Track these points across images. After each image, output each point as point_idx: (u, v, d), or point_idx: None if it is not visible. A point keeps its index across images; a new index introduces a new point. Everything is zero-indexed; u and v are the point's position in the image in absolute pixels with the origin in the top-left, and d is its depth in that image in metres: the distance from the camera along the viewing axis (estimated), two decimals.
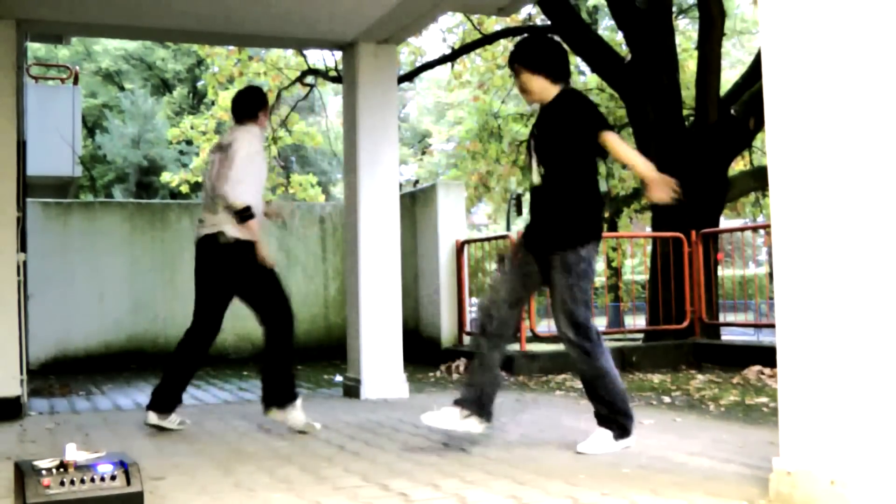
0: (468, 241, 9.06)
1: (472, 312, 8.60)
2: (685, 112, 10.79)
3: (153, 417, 4.50)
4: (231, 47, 12.67)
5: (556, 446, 3.87)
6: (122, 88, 29.51)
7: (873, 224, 2.51)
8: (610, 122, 3.85)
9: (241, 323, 10.03)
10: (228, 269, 4.50)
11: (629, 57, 10.20)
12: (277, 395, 4.49)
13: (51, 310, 8.80)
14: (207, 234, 4.53)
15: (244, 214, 4.42)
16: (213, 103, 15.58)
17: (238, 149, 4.50)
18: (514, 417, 4.80)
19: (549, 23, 11.31)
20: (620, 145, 3.75)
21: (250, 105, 4.74)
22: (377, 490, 3.03)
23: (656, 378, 6.75)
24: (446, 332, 8.75)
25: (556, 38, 4.07)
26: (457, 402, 3.86)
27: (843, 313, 2.52)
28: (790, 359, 2.68)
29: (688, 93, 11.35)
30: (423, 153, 28.90)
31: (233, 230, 4.46)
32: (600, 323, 17.66)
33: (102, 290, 9.22)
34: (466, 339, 8.58)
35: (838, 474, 2.49)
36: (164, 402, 4.52)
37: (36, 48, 21.77)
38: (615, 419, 3.75)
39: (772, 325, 4.59)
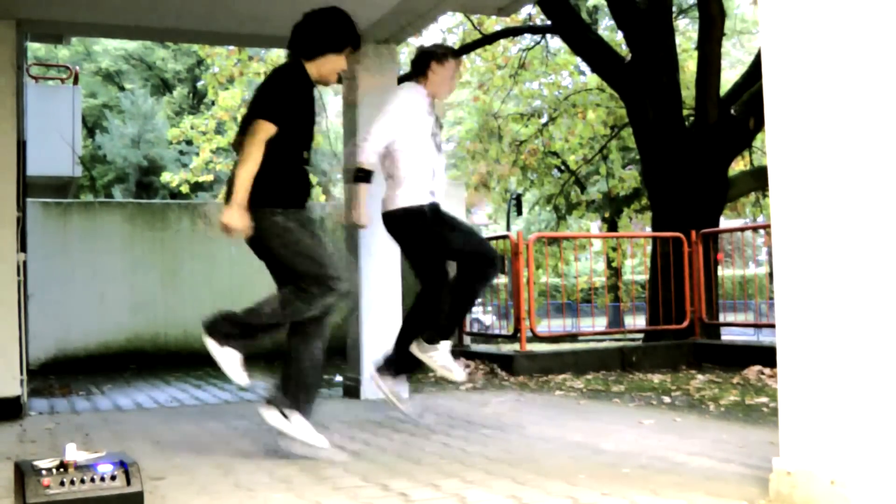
0: None
1: (472, 313, 8.60)
2: (685, 112, 10.81)
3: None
4: (231, 47, 12.68)
5: (556, 446, 3.87)
6: (122, 88, 29.52)
7: (873, 224, 2.51)
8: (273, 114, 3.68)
9: None
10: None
11: (629, 57, 10.21)
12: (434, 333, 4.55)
13: (51, 310, 8.80)
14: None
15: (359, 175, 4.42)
16: (213, 103, 15.59)
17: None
18: (514, 417, 4.80)
19: (549, 23, 11.33)
20: (249, 149, 3.63)
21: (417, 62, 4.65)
22: (377, 490, 3.03)
23: (656, 378, 6.75)
24: None
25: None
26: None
27: (843, 313, 2.52)
28: (790, 359, 2.68)
29: (688, 93, 11.36)
30: None
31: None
32: (600, 323, 17.71)
33: (102, 290, 9.22)
34: (466, 339, 8.58)
35: (838, 474, 2.49)
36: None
37: (36, 48, 21.76)
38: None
39: (772, 325, 4.59)
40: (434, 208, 4.53)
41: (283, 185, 3.75)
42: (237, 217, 3.60)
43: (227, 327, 3.76)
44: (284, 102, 3.70)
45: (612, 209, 20.94)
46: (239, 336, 3.77)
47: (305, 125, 3.83)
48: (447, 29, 14.38)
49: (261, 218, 3.68)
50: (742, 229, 11.12)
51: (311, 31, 3.88)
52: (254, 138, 3.60)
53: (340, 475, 3.32)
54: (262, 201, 3.67)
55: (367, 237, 5.97)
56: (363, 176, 4.43)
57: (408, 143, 4.48)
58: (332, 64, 3.88)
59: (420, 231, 4.50)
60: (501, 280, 11.89)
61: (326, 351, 3.95)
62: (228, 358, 3.75)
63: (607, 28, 18.52)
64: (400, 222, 4.53)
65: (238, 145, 3.79)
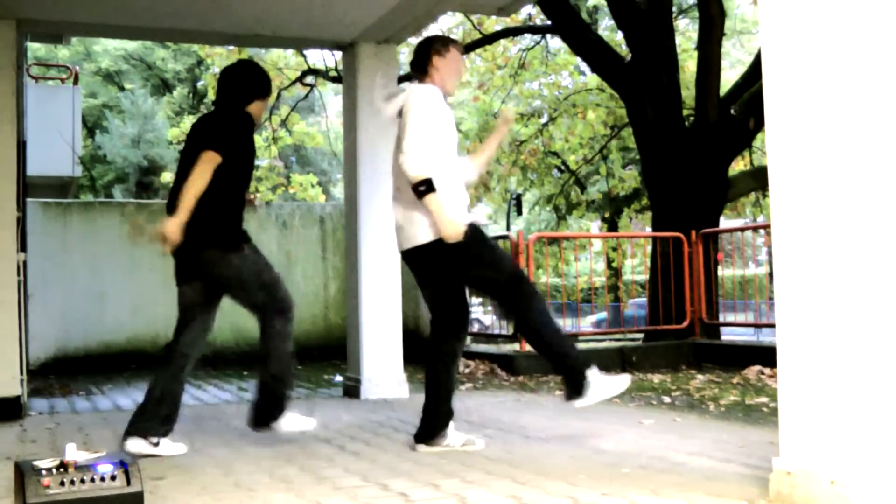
0: None
1: (472, 313, 8.59)
2: (685, 112, 10.80)
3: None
4: (231, 47, 12.65)
5: (556, 446, 3.87)
6: (122, 88, 29.50)
7: (873, 224, 2.51)
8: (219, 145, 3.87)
9: (240, 321, 10.08)
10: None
11: (629, 57, 10.21)
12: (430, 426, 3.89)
13: (51, 310, 8.80)
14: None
15: (421, 189, 3.71)
16: (213, 103, 15.58)
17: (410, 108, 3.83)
18: (515, 417, 4.80)
19: (549, 23, 11.33)
20: (198, 173, 3.82)
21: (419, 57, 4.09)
22: (377, 490, 3.03)
23: (656, 378, 6.74)
24: None
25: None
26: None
27: (843, 313, 2.52)
28: (790, 359, 2.68)
29: (688, 93, 11.35)
30: None
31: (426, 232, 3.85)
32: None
33: (102, 290, 9.22)
34: (466, 340, 8.56)
35: (838, 474, 2.49)
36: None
37: (36, 48, 21.75)
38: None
39: (772, 325, 4.58)
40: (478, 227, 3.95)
41: (230, 229, 3.99)
42: (176, 230, 3.79)
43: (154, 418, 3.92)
44: (234, 141, 3.97)
45: (612, 209, 20.94)
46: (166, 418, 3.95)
47: (248, 165, 4.10)
48: (447, 29, 14.37)
49: (218, 260, 3.95)
50: (742, 229, 11.12)
51: (243, 81, 4.18)
52: (204, 165, 3.83)
53: (340, 475, 3.32)
54: (215, 242, 3.93)
55: (367, 237, 5.98)
56: (427, 186, 3.71)
57: (444, 151, 3.84)
58: (259, 109, 4.21)
59: (473, 251, 3.89)
60: None
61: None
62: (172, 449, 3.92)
63: (607, 28, 18.51)
64: (446, 251, 3.84)
65: (184, 174, 3.93)
